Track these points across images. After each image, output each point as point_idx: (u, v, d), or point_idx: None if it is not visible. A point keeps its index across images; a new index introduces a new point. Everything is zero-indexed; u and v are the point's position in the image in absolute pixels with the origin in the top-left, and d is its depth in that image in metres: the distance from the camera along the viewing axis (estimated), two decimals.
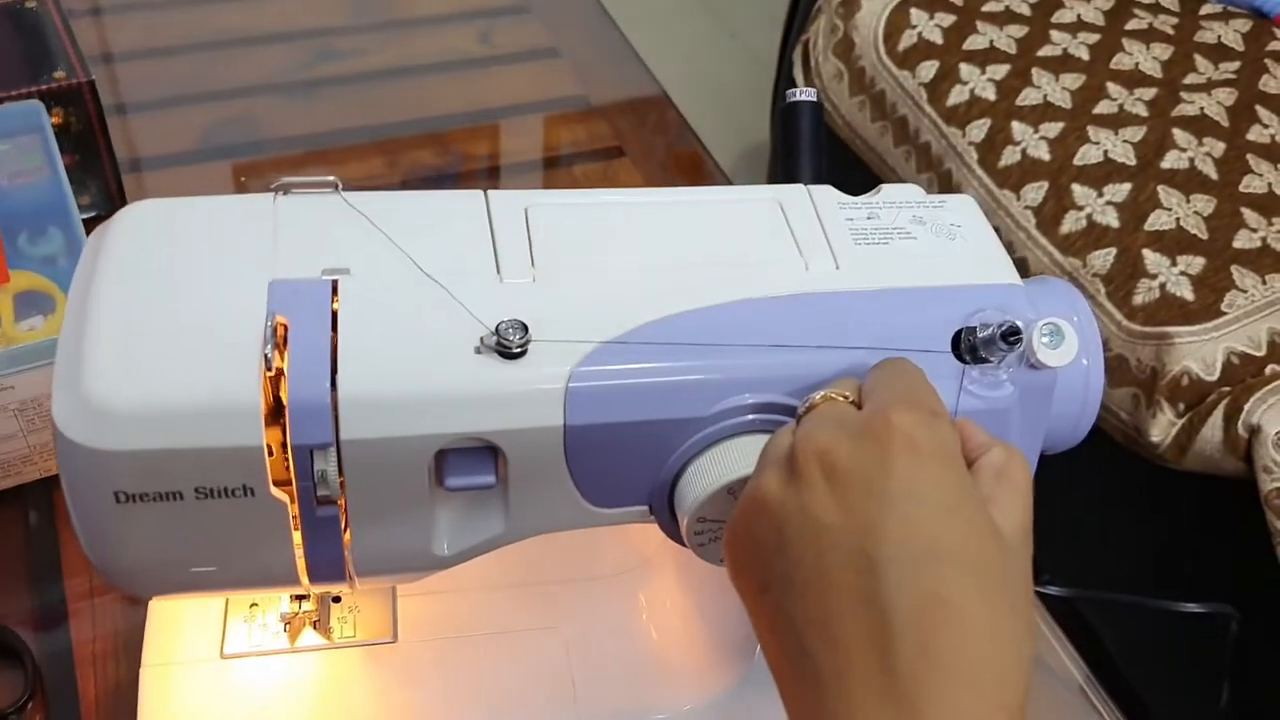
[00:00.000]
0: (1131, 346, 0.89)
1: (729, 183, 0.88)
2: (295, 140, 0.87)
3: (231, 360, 0.35)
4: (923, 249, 0.43)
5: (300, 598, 0.49)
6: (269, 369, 0.34)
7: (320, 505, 0.37)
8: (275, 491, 0.36)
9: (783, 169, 0.48)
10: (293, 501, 0.37)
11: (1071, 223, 0.95)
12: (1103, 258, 0.93)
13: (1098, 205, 0.95)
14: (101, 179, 0.75)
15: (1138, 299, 0.89)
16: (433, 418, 0.36)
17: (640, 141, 0.91)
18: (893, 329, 0.40)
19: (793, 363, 0.38)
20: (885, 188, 0.45)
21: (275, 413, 0.36)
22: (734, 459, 0.38)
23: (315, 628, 0.50)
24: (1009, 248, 0.98)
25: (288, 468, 0.36)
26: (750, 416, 0.38)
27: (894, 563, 0.30)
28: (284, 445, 0.36)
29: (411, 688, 0.50)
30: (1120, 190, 0.95)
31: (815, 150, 0.48)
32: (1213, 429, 0.84)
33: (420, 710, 0.50)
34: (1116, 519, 0.94)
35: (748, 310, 0.39)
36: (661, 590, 0.54)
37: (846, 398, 0.35)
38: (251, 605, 0.51)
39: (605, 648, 0.52)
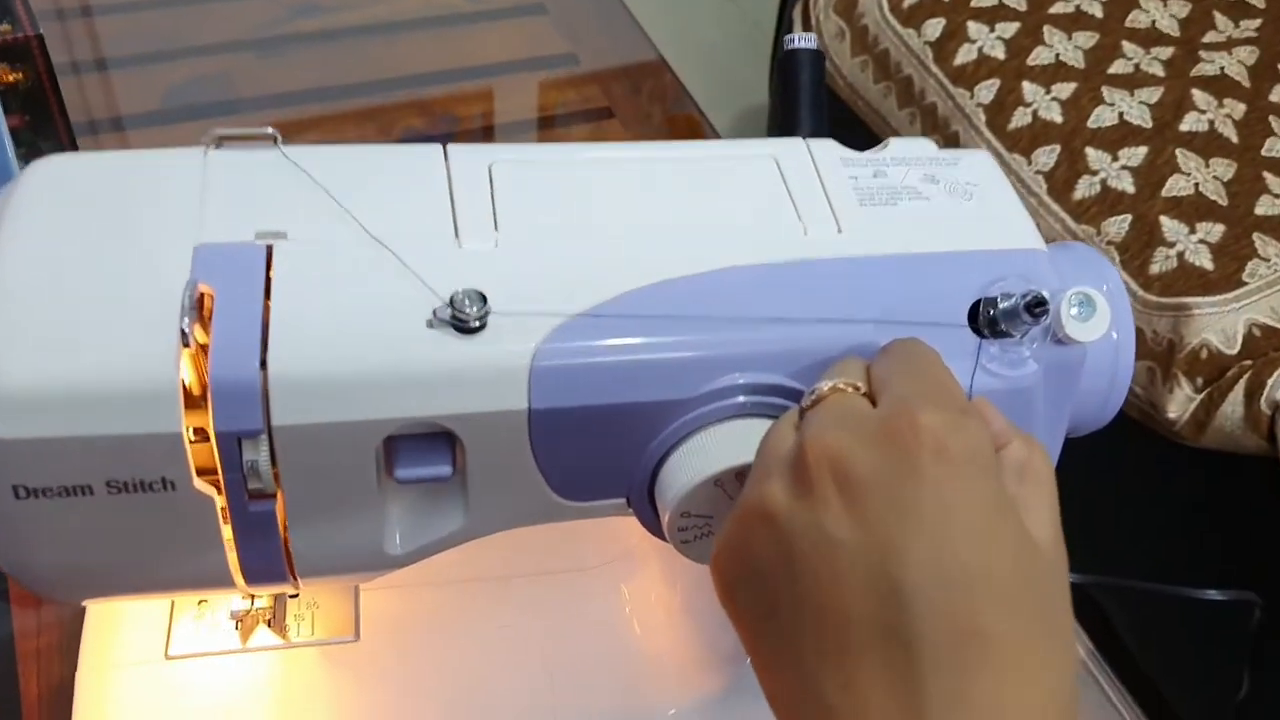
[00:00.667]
0: (1148, 318, 0.84)
1: None
2: (269, 100, 0.83)
3: (146, 335, 0.31)
4: (935, 210, 0.38)
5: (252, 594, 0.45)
6: (187, 344, 0.30)
7: (253, 500, 0.32)
8: (200, 485, 0.32)
9: (780, 123, 0.44)
10: (221, 495, 0.32)
11: (1085, 188, 0.90)
12: (1118, 225, 0.88)
13: (1112, 170, 0.90)
14: (55, 140, 0.70)
15: (1154, 268, 0.85)
16: (378, 401, 0.31)
17: (632, 104, 0.87)
18: (902, 300, 0.35)
19: (789, 338, 0.34)
20: (893, 142, 0.41)
21: (199, 395, 0.32)
22: (723, 447, 0.33)
23: (270, 626, 0.46)
24: None
25: (214, 458, 0.31)
26: (741, 399, 0.34)
27: (922, 591, 0.26)
28: (209, 432, 0.31)
29: (374, 689, 0.46)
30: (1136, 154, 0.90)
31: (816, 102, 0.43)
32: (1233, 405, 0.79)
33: (384, 714, 0.46)
34: (1130, 499, 0.90)
35: (738, 279, 0.35)
36: (646, 584, 0.50)
37: (857, 388, 0.31)
38: (200, 602, 0.47)
39: (585, 646, 0.48)
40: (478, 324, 0.32)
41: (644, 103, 0.87)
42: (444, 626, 0.48)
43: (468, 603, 0.49)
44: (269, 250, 0.33)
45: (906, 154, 0.40)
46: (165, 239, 0.33)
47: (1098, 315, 0.35)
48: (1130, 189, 0.89)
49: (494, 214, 0.35)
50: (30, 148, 0.70)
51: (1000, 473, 0.29)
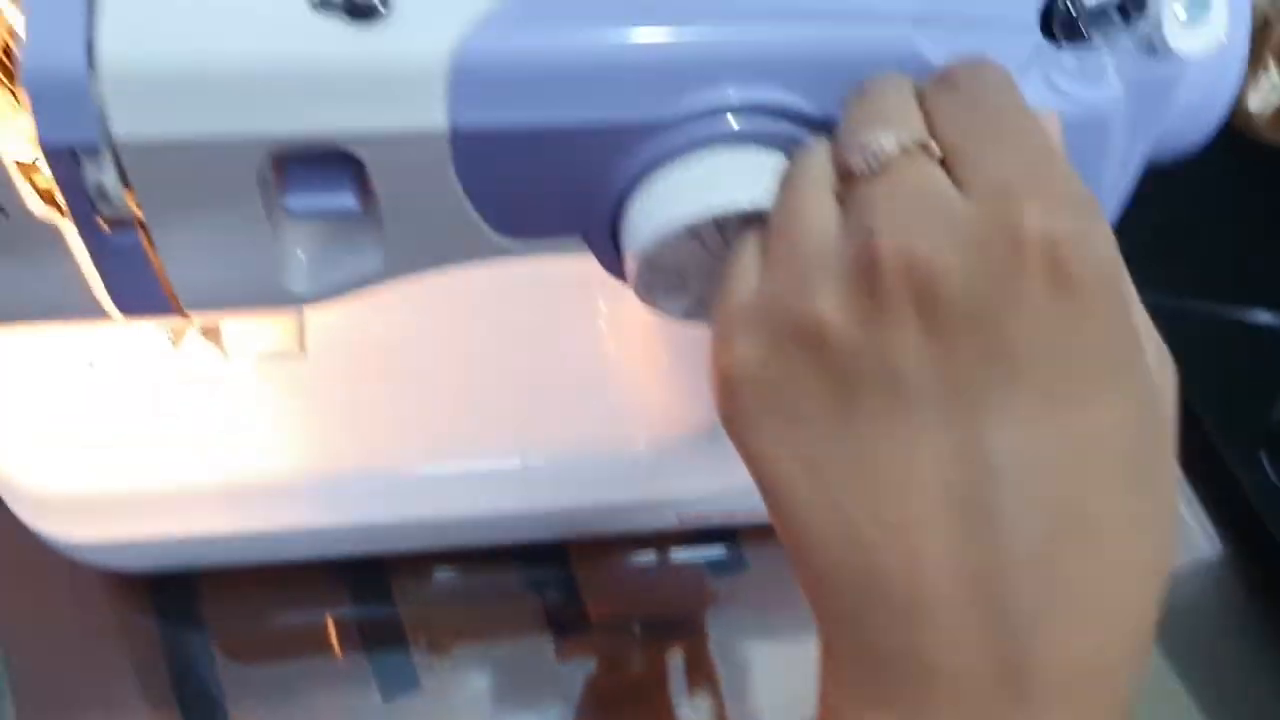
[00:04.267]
0: None
1: None
2: None
3: None
4: None
5: None
6: None
7: (110, 228, 0.26)
8: (37, 209, 0.25)
9: None
10: (65, 218, 0.26)
11: None
12: None
13: None
14: None
15: None
16: (247, 111, 0.24)
17: None
18: None
19: (800, 39, 0.26)
20: None
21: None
22: (704, 187, 0.26)
23: (205, 335, 0.41)
24: None
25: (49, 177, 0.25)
26: (732, 121, 0.26)
27: (1016, 465, 0.20)
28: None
29: (321, 407, 0.42)
30: None
31: None
32: None
33: (331, 432, 0.42)
34: (1197, 207, 0.81)
35: None
36: (625, 301, 0.44)
37: (931, 151, 0.23)
38: None
39: (553, 365, 0.43)
40: (378, 6, 0.24)
41: None
42: (399, 341, 0.43)
43: (431, 315, 0.43)
44: None
45: None
46: None
47: (1211, 18, 0.27)
48: None
49: None
50: None
51: (1130, 298, 0.22)
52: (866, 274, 0.21)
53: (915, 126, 0.23)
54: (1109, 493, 0.21)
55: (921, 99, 0.24)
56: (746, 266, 0.24)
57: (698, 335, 0.32)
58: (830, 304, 0.22)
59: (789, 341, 0.22)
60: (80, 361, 0.41)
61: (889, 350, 0.21)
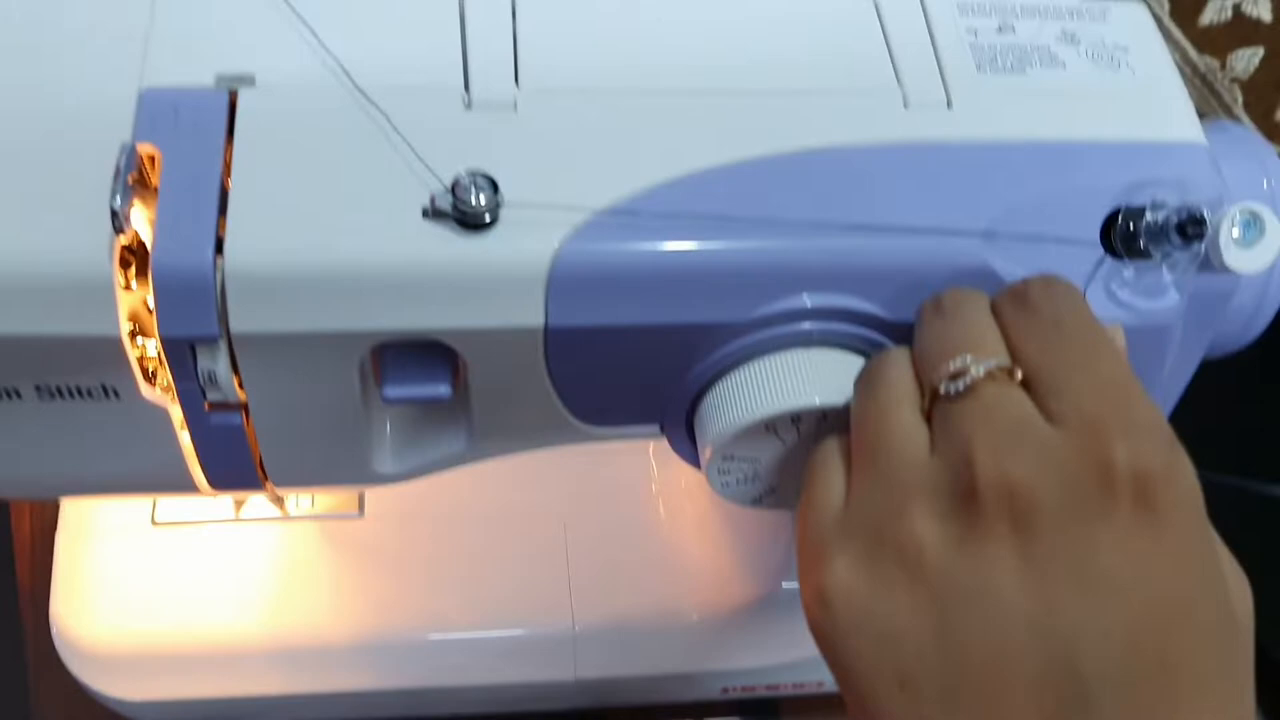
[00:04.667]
0: None
1: None
2: None
3: (74, 211, 0.24)
4: (1073, 82, 0.30)
5: None
6: (119, 230, 0.24)
7: (214, 411, 0.27)
8: (148, 393, 0.26)
9: None
10: (174, 404, 0.27)
11: (1214, 12, 0.79)
12: (1247, 59, 0.77)
13: None
14: None
15: None
16: (359, 309, 0.25)
17: None
18: (1024, 204, 0.28)
19: (872, 251, 0.27)
20: None
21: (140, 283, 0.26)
22: (781, 384, 0.27)
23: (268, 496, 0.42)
24: None
25: (161, 361, 0.26)
26: (807, 325, 0.27)
27: (1109, 683, 0.21)
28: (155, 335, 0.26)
29: (376, 570, 0.42)
30: None
31: None
32: None
33: (385, 597, 0.42)
34: (1225, 377, 0.82)
35: (814, 168, 0.27)
36: (678, 469, 0.45)
37: (1012, 375, 0.24)
38: None
39: (606, 532, 0.44)
40: (487, 218, 0.25)
41: None
42: (455, 504, 0.44)
43: (482, 479, 0.44)
44: (232, 99, 0.27)
45: (1042, 1, 0.32)
46: (104, 79, 0.26)
47: (1266, 239, 0.28)
48: (1267, 18, 0.77)
49: (515, 61, 0.28)
50: None
51: (1208, 526, 0.23)
52: (965, 499, 0.22)
53: (998, 349, 0.24)
54: (1191, 712, 0.21)
55: (997, 314, 0.25)
56: (833, 477, 0.25)
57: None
58: (927, 526, 0.22)
59: (885, 561, 0.23)
60: (142, 519, 0.42)
61: (985, 572, 0.22)
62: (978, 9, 0.31)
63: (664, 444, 0.45)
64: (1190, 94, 0.86)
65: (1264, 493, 0.51)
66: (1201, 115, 0.80)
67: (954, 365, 0.24)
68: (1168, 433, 0.23)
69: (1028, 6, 0.31)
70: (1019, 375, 0.24)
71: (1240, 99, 0.77)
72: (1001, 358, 0.24)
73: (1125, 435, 0.22)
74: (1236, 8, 0.78)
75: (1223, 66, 0.78)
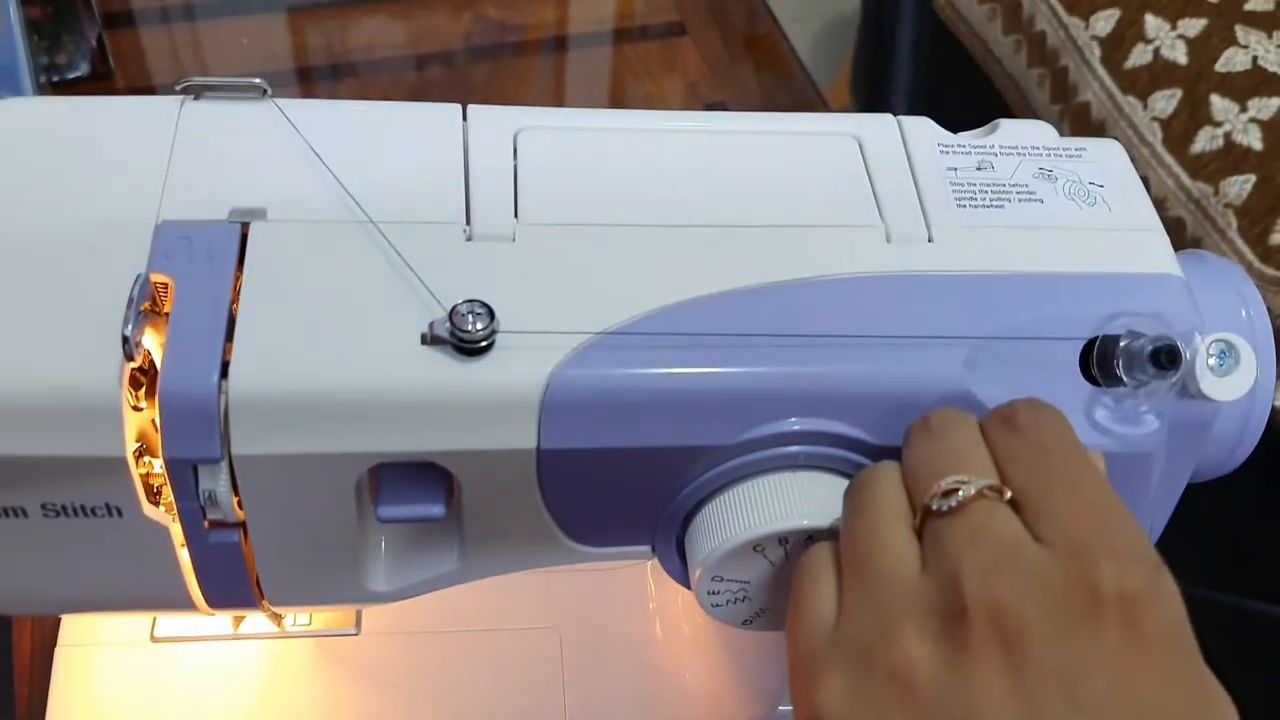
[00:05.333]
0: (1262, 293, 0.76)
1: (806, 75, 0.76)
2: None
3: (87, 337, 0.26)
4: (1049, 216, 0.31)
5: None
6: (130, 357, 0.25)
7: (213, 529, 0.28)
8: (150, 512, 0.27)
9: (867, 85, 0.37)
10: (175, 523, 0.28)
11: (1206, 140, 0.81)
12: (1239, 185, 0.79)
13: (1239, 122, 0.80)
14: (79, 35, 0.65)
15: (1276, 238, 0.76)
16: (358, 432, 0.26)
17: (706, 17, 0.79)
18: (1000, 333, 0.29)
19: (859, 376, 0.28)
20: (1004, 124, 0.34)
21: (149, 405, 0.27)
22: (769, 507, 0.28)
23: (266, 611, 0.42)
24: None
25: (166, 479, 0.27)
26: (794, 448, 0.28)
27: None
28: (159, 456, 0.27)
29: (373, 688, 0.42)
30: (1269, 106, 0.80)
31: (914, 63, 0.36)
32: None
33: (381, 714, 0.42)
34: (1236, 505, 0.82)
35: (800, 298, 0.29)
36: (675, 587, 0.45)
37: (1001, 495, 0.24)
38: None
39: (604, 654, 0.44)
40: (483, 344, 0.26)
41: (718, 16, 0.79)
42: (451, 623, 0.44)
43: (478, 598, 0.44)
44: (244, 231, 0.28)
45: (1020, 141, 0.33)
46: (123, 212, 0.28)
47: (1241, 369, 0.29)
48: (1258, 145, 0.79)
49: (515, 197, 0.30)
50: (53, 41, 0.65)
51: (1194, 646, 0.23)
52: (954, 620, 0.23)
53: (987, 469, 0.25)
54: None
55: (985, 435, 0.26)
56: (823, 590, 0.25)
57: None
58: (918, 647, 0.23)
59: (878, 681, 0.23)
60: (142, 635, 0.42)
61: (974, 692, 0.22)
62: (957, 148, 0.33)
63: (662, 576, 0.46)
64: (1185, 219, 0.87)
65: (1264, 612, 0.51)
66: (1196, 240, 0.82)
67: (945, 484, 0.25)
68: (1152, 555, 0.24)
69: (1006, 146, 0.33)
70: (1008, 495, 0.24)
71: (1235, 224, 0.79)
72: (991, 478, 0.25)
73: (1111, 557, 0.23)
74: (1227, 136, 0.81)
75: (1215, 192, 0.80)
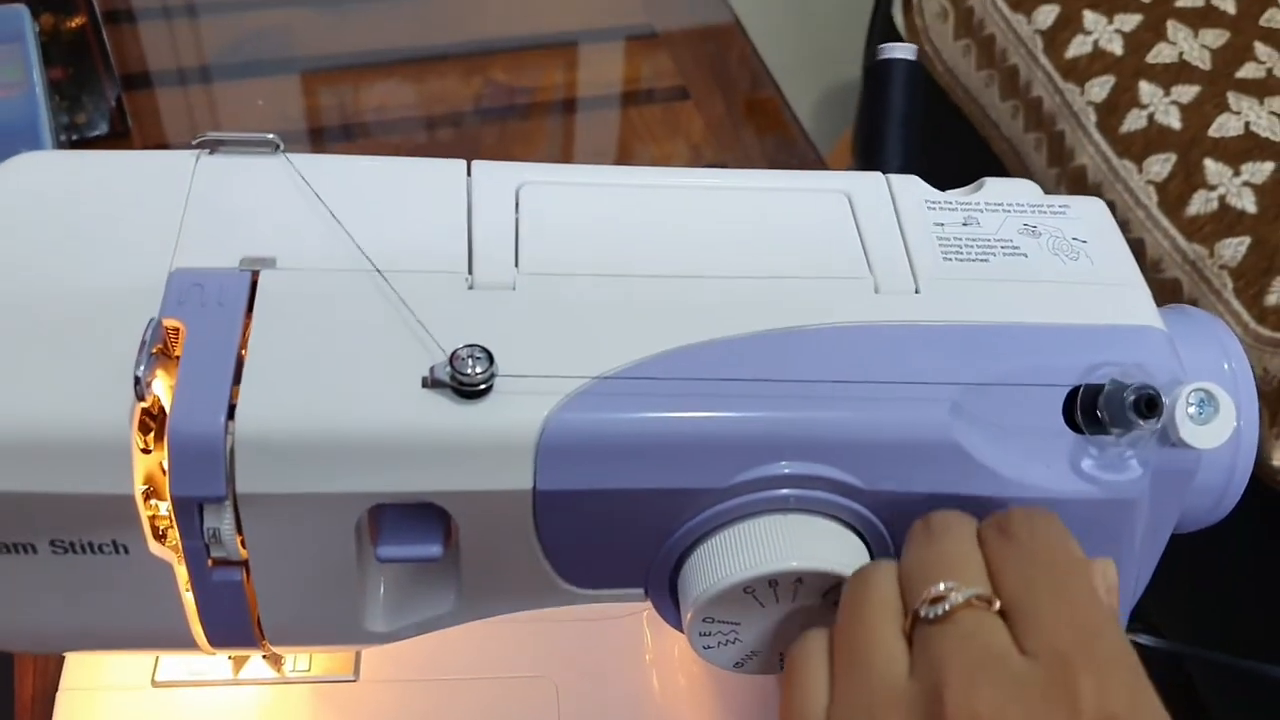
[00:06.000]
0: (1258, 354, 0.77)
1: (804, 137, 0.77)
2: (323, 59, 0.79)
3: (100, 379, 0.27)
4: (1033, 270, 0.32)
5: None
6: (141, 395, 0.26)
7: (216, 567, 0.28)
8: (155, 549, 0.28)
9: (862, 147, 0.38)
10: (180, 562, 0.28)
11: (1200, 204, 0.82)
12: (1234, 248, 0.80)
13: (1233, 185, 0.82)
14: (99, 95, 0.67)
15: (1271, 299, 0.77)
16: (359, 472, 0.27)
17: (709, 81, 0.81)
18: (985, 381, 0.30)
19: (848, 423, 0.29)
20: (989, 182, 0.35)
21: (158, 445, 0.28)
22: (759, 549, 0.28)
23: (265, 657, 0.42)
24: (1123, 227, 0.85)
25: (171, 520, 0.28)
26: (785, 491, 0.29)
27: None
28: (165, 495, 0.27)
29: None
30: (1261, 170, 0.82)
31: (906, 126, 0.38)
32: None
33: None
34: (1228, 558, 0.82)
35: (791, 346, 0.29)
36: (671, 637, 0.45)
37: (990, 604, 0.25)
38: None
39: (601, 705, 0.44)
40: (481, 387, 0.27)
41: (718, 74, 0.81)
42: (449, 670, 0.44)
43: (475, 646, 0.45)
44: (254, 279, 0.29)
45: (1004, 198, 0.34)
46: (139, 260, 0.29)
47: (1220, 417, 0.30)
48: (1252, 208, 0.81)
49: (516, 248, 0.31)
50: (74, 102, 0.67)
51: None
52: (931, 715, 0.23)
53: (979, 577, 0.26)
54: None
55: (982, 541, 0.27)
56: (815, 679, 0.26)
57: (742, 679, 0.33)
58: None
59: None
60: (143, 679, 0.42)
61: None
62: (944, 205, 0.34)
63: (659, 625, 0.46)
64: (1181, 280, 0.88)
65: (1262, 673, 0.51)
66: (1193, 301, 0.84)
67: (935, 590, 0.25)
68: (1135, 667, 0.24)
69: (991, 203, 0.34)
70: (997, 605, 0.25)
71: (1230, 285, 0.80)
72: (981, 586, 0.25)
73: (1092, 671, 0.23)
74: (1222, 199, 0.82)
75: (1211, 254, 0.81)
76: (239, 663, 0.42)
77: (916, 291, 0.31)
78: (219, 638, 0.30)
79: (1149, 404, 0.29)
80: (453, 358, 0.27)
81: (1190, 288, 0.82)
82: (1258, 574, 0.82)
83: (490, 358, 0.27)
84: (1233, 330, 0.78)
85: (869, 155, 0.37)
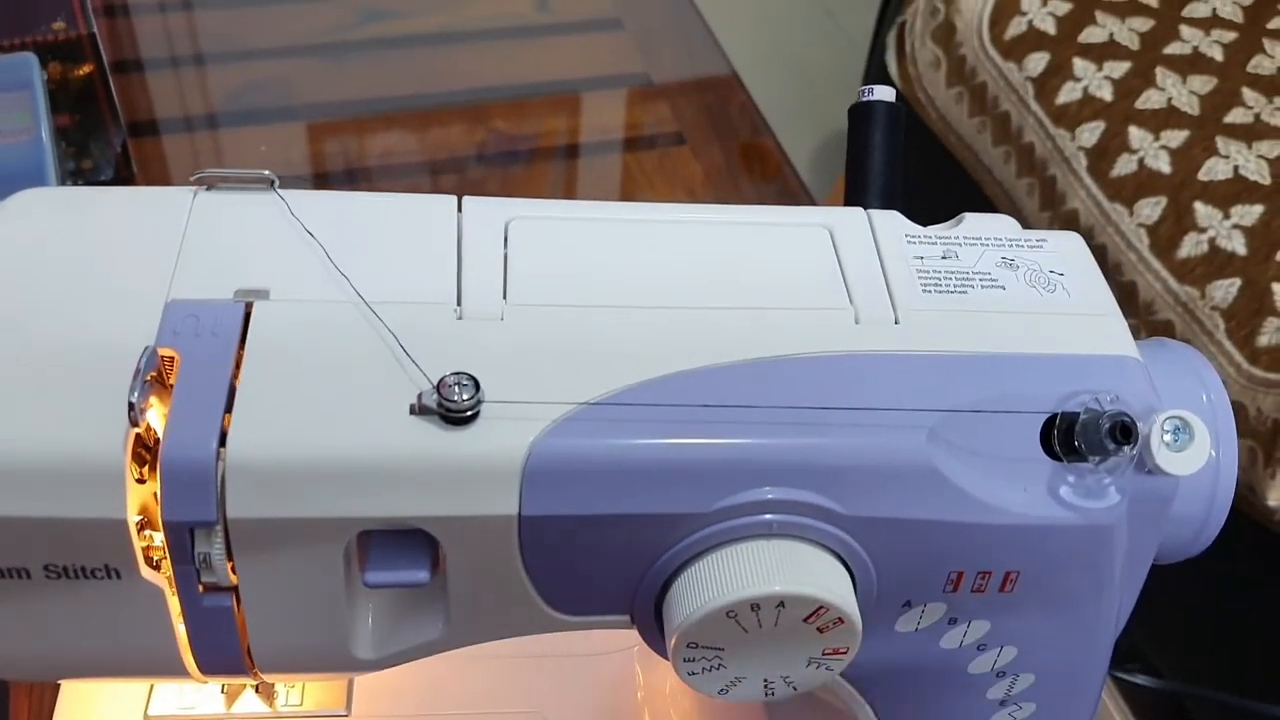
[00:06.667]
0: (1251, 394, 0.77)
1: (800, 183, 0.79)
2: (326, 108, 0.80)
3: (95, 405, 0.27)
4: (1011, 302, 0.33)
5: None
6: (134, 421, 0.27)
7: (207, 593, 0.29)
8: (147, 574, 0.28)
9: (847, 187, 0.39)
10: (172, 588, 0.29)
11: (1191, 246, 0.83)
12: (1225, 289, 0.81)
13: (1223, 228, 0.83)
14: (105, 142, 0.69)
15: (1263, 339, 0.78)
16: (347, 497, 0.28)
17: (708, 129, 0.82)
18: (963, 409, 0.30)
19: (829, 449, 0.29)
20: (969, 218, 0.36)
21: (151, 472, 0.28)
22: (741, 574, 0.29)
23: (257, 691, 0.43)
24: (1115, 270, 0.87)
25: (165, 551, 0.28)
26: (768, 517, 0.29)
27: None
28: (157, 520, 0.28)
29: None
30: (1250, 213, 0.83)
31: (889, 166, 0.39)
32: None
33: None
34: (1220, 595, 0.82)
35: (773, 374, 0.30)
36: (662, 674, 0.45)
37: None
38: None
39: None
40: (468, 413, 0.28)
41: (718, 129, 0.83)
42: (441, 706, 0.44)
43: (468, 682, 0.45)
44: (248, 310, 0.30)
45: (983, 232, 0.35)
46: (136, 291, 0.30)
47: (1195, 444, 0.30)
48: (1242, 250, 0.82)
49: (504, 280, 0.32)
50: (81, 149, 0.68)
51: None
52: None
53: None
54: None
55: None
56: None
57: (733, 711, 0.33)
58: None
59: None
60: (135, 713, 0.43)
61: None
62: (924, 238, 0.35)
63: (648, 649, 0.46)
64: (1174, 322, 0.89)
65: (1264, 713, 0.51)
66: (1186, 340, 0.84)
67: None
68: None
69: (970, 237, 0.35)
70: None
71: (1222, 326, 0.81)
72: None
73: None
74: (1212, 241, 0.83)
75: (1202, 295, 0.82)
76: (231, 697, 0.42)
77: (896, 322, 0.32)
78: (210, 665, 0.31)
79: (1124, 431, 0.29)
80: (440, 385, 0.28)
81: (1183, 329, 0.83)
82: (1258, 615, 0.82)
83: (476, 385, 0.28)
84: (1225, 370, 0.78)
85: (851, 192, 0.38)
